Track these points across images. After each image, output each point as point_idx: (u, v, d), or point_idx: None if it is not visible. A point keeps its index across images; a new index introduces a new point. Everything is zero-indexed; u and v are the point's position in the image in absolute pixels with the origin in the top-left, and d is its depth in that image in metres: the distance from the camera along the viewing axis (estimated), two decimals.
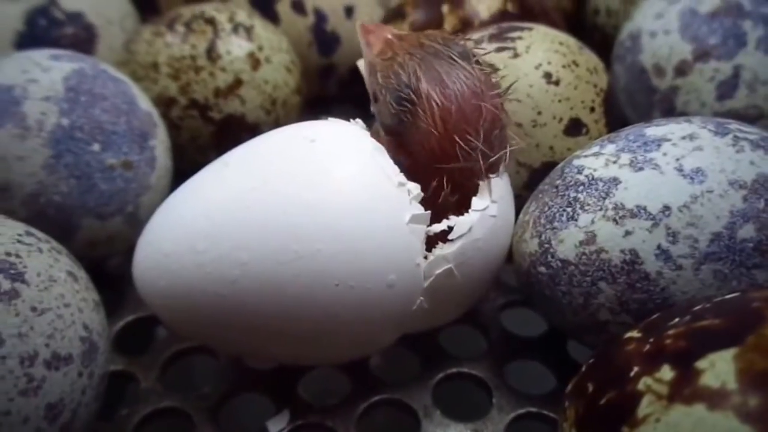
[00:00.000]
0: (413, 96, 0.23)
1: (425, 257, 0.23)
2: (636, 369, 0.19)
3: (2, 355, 0.21)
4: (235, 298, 0.23)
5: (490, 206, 0.24)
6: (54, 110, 0.28)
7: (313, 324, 0.23)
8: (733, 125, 0.25)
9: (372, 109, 0.26)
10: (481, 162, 0.23)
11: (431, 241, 0.24)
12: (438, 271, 0.24)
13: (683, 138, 0.25)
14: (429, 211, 0.23)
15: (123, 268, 0.31)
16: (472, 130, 0.23)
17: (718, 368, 0.18)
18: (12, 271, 0.22)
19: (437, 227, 0.24)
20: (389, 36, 0.25)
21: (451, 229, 0.24)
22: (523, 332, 0.30)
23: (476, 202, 0.24)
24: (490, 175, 0.24)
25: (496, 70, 0.24)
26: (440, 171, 0.24)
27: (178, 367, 0.29)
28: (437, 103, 0.23)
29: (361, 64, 0.27)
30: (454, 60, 0.24)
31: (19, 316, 0.21)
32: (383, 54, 0.25)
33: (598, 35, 0.41)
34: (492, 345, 0.29)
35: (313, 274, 0.22)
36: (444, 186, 0.24)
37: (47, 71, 0.29)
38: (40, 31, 0.35)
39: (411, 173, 0.24)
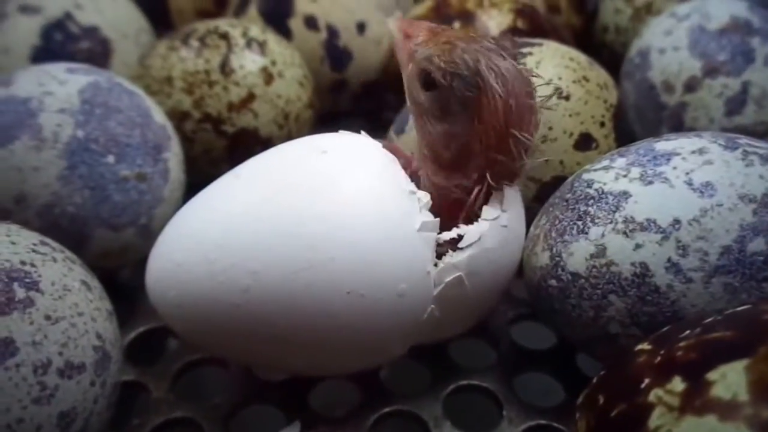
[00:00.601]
0: (480, 82, 0.23)
1: (435, 265, 0.23)
2: (647, 381, 0.19)
3: (16, 363, 0.21)
4: (247, 308, 0.23)
5: (501, 216, 0.24)
6: (69, 122, 0.29)
7: (324, 333, 0.23)
8: (743, 140, 0.25)
9: (420, 97, 0.24)
10: (525, 161, 0.24)
11: (441, 251, 0.24)
12: (448, 279, 0.24)
13: (693, 152, 0.25)
14: (438, 219, 0.23)
15: (135, 279, 0.31)
16: (525, 128, 0.23)
17: (730, 380, 0.18)
18: (27, 280, 0.22)
19: (447, 235, 0.24)
20: (431, 27, 0.24)
21: (461, 237, 0.24)
22: (532, 345, 0.30)
23: (487, 211, 0.24)
24: (509, 183, 0.24)
25: (536, 74, 0.24)
26: (487, 163, 0.24)
27: (190, 377, 0.29)
28: (500, 95, 0.23)
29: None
30: (506, 57, 0.23)
31: (33, 324, 0.22)
32: (432, 41, 0.23)
33: (606, 52, 0.41)
34: (502, 357, 0.29)
35: (324, 284, 0.22)
36: (487, 178, 0.24)
37: (63, 84, 0.29)
38: (55, 46, 0.36)
39: (454, 161, 0.24)
